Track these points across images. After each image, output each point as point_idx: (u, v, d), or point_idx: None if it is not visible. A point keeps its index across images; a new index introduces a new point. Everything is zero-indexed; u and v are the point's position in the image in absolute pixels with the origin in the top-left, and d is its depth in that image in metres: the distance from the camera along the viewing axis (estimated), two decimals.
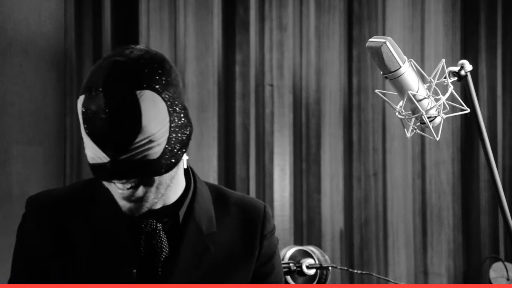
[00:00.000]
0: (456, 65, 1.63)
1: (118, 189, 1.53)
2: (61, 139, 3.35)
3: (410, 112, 1.65)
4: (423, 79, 1.63)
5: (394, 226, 3.85)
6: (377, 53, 1.57)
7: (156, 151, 1.49)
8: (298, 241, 3.66)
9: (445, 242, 3.92)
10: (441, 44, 3.94)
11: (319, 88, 3.77)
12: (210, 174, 3.52)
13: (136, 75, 1.48)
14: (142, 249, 1.61)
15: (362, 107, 3.82)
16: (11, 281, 1.66)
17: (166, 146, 1.50)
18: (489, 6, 4.01)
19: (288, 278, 2.50)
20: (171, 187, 1.60)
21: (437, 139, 1.62)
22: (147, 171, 1.50)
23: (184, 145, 1.55)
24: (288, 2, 3.71)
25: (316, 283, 2.52)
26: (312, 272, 2.52)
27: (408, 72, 1.59)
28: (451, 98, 1.62)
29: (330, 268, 2.54)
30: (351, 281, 3.78)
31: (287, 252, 2.55)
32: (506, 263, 3.74)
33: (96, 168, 1.51)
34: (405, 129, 1.65)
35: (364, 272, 2.71)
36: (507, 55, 4.03)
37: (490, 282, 3.74)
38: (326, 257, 2.57)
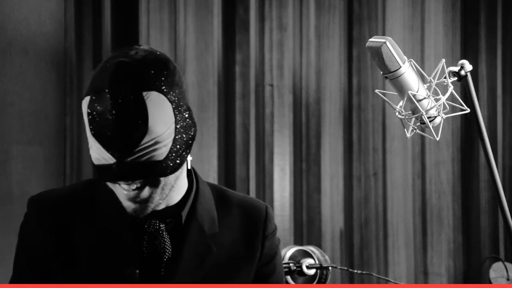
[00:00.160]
0: (456, 65, 1.63)
1: (123, 190, 1.53)
2: (61, 139, 3.35)
3: (410, 112, 1.65)
4: (423, 79, 1.63)
5: (394, 226, 3.85)
6: (377, 53, 1.57)
7: (162, 152, 1.49)
8: (298, 241, 3.66)
9: (445, 242, 3.92)
10: (441, 44, 3.94)
11: (319, 88, 3.77)
12: (210, 174, 3.52)
13: (142, 76, 1.48)
14: (144, 250, 1.61)
15: (362, 107, 3.82)
16: (12, 281, 1.66)
17: (172, 147, 1.51)
18: (489, 6, 4.01)
19: (288, 278, 2.50)
20: (175, 187, 1.60)
21: (437, 139, 1.62)
22: (153, 172, 1.50)
23: (188, 146, 1.55)
24: (288, 2, 3.71)
25: (316, 283, 2.52)
26: (312, 272, 2.52)
27: (408, 72, 1.59)
28: (451, 98, 1.62)
29: (330, 268, 2.54)
30: (351, 281, 3.78)
31: (287, 252, 2.55)
32: (506, 263, 3.74)
33: (102, 169, 1.50)
34: (405, 129, 1.65)
35: (364, 272, 2.71)
36: (507, 55, 4.03)
37: (490, 282, 3.74)
38: (326, 257, 2.57)
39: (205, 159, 3.53)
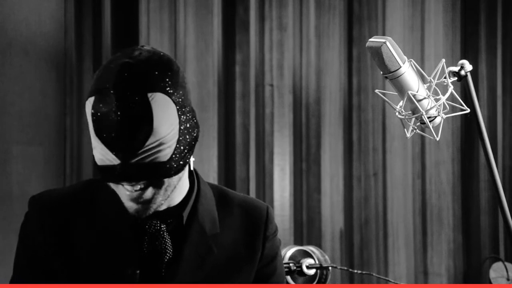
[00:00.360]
0: (456, 65, 1.63)
1: (126, 191, 1.53)
2: (61, 139, 3.35)
3: (410, 112, 1.65)
4: (423, 79, 1.63)
5: (394, 226, 3.85)
6: (377, 53, 1.57)
7: (166, 154, 1.49)
8: (298, 241, 3.66)
9: (445, 242, 3.92)
10: (441, 44, 3.94)
11: (319, 88, 3.77)
12: (210, 174, 3.52)
13: (146, 77, 1.48)
14: (145, 250, 1.61)
15: (362, 107, 3.82)
16: (13, 281, 1.66)
17: (176, 148, 1.51)
18: (489, 6, 4.01)
19: (288, 278, 2.50)
20: (177, 188, 1.60)
21: (437, 139, 1.62)
22: (157, 173, 1.50)
23: (191, 147, 1.56)
24: (288, 2, 3.71)
25: (316, 283, 2.52)
26: (312, 272, 2.52)
27: (408, 72, 1.59)
28: (451, 98, 1.62)
29: (330, 268, 2.54)
30: (351, 281, 3.78)
31: (287, 252, 2.55)
32: (506, 263, 3.74)
33: (105, 170, 1.50)
34: (405, 129, 1.65)
35: (364, 272, 2.71)
36: (507, 55, 4.03)
37: (490, 282, 3.74)
38: (326, 257, 2.57)
39: (205, 159, 3.53)
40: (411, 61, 1.60)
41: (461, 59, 1.73)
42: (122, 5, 3.47)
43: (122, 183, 1.51)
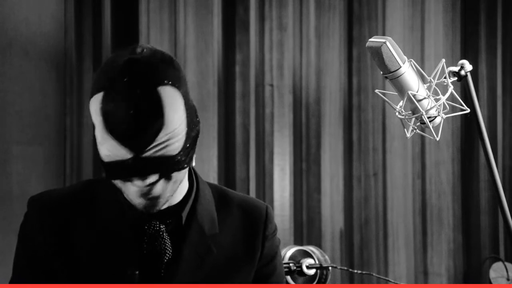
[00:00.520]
0: (456, 65, 1.63)
1: (135, 187, 1.52)
2: (61, 139, 3.35)
3: (410, 112, 1.65)
4: (423, 79, 1.63)
5: (394, 226, 3.85)
6: (377, 53, 1.57)
7: (176, 147, 1.49)
8: (298, 241, 3.66)
9: (445, 242, 3.92)
10: (441, 44, 3.94)
11: (319, 88, 3.77)
12: (210, 174, 3.52)
13: (154, 71, 1.48)
14: (144, 251, 1.61)
15: (362, 107, 3.82)
16: (12, 281, 1.66)
17: (184, 142, 1.51)
18: (489, 6, 4.01)
19: (288, 278, 2.50)
20: (180, 185, 1.60)
21: (437, 139, 1.62)
22: (168, 167, 1.50)
23: (195, 142, 1.56)
24: (288, 2, 3.71)
25: (316, 283, 2.52)
26: (312, 272, 2.52)
27: (408, 72, 1.59)
28: (451, 98, 1.62)
29: (330, 268, 2.54)
30: (351, 281, 3.78)
31: (287, 252, 2.55)
32: (506, 263, 3.74)
33: (115, 165, 1.48)
34: (405, 129, 1.65)
35: (364, 272, 2.71)
36: (507, 55, 4.03)
37: (490, 282, 3.74)
38: (326, 257, 2.57)
39: (205, 159, 3.53)
40: (411, 61, 1.60)
41: (461, 59, 1.73)
42: (122, 5, 3.47)
43: (134, 178, 1.50)
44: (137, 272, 1.59)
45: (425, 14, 3.93)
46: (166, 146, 1.48)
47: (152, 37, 3.48)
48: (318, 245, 3.62)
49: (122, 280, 1.59)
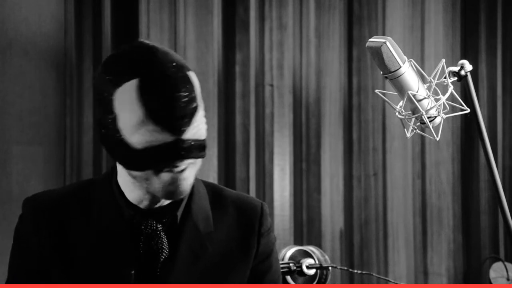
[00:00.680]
0: (456, 65, 1.63)
1: (166, 175, 1.52)
2: (61, 139, 3.35)
3: (410, 112, 1.65)
4: (423, 79, 1.63)
5: (394, 226, 3.85)
6: (377, 53, 1.57)
7: (203, 132, 1.55)
8: (298, 241, 3.66)
9: (445, 242, 3.92)
10: (441, 44, 3.94)
11: (319, 88, 3.77)
12: (210, 174, 3.52)
13: (177, 59, 1.52)
14: (141, 250, 1.61)
15: (362, 107, 3.82)
16: (7, 282, 1.65)
17: (206, 128, 1.56)
18: (489, 6, 4.01)
19: (288, 278, 2.50)
20: None
21: (437, 139, 1.62)
22: (201, 151, 1.54)
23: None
24: (288, 2, 3.71)
25: (316, 283, 2.52)
26: (312, 272, 2.52)
27: (408, 72, 1.59)
28: (451, 98, 1.62)
29: (330, 268, 2.54)
30: (351, 281, 3.78)
31: (287, 252, 2.55)
32: (506, 263, 3.74)
33: (154, 151, 1.48)
34: (405, 129, 1.65)
35: (364, 272, 2.71)
36: (507, 55, 4.03)
37: (490, 282, 3.74)
38: (326, 257, 2.57)
39: (205, 159, 3.52)
40: (411, 61, 1.60)
41: (461, 59, 1.73)
42: (122, 5, 3.47)
43: (175, 162, 1.51)
44: (133, 272, 1.59)
45: (425, 14, 3.93)
46: (198, 130, 1.52)
47: (152, 37, 3.48)
48: (318, 245, 3.62)
49: (119, 280, 1.59)
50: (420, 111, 1.61)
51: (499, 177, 1.64)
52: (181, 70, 1.50)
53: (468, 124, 3.94)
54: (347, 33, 3.83)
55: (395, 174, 3.86)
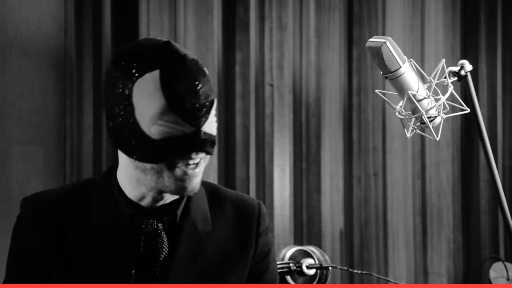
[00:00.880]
0: (456, 65, 1.63)
1: (181, 168, 1.53)
2: (61, 139, 3.35)
3: (410, 112, 1.65)
4: (423, 79, 1.63)
5: (394, 226, 3.85)
6: (377, 53, 1.57)
7: (215, 128, 1.57)
8: (298, 241, 3.66)
9: (445, 242, 3.92)
10: (441, 44, 3.94)
11: (319, 88, 3.77)
12: (210, 174, 3.52)
13: (191, 54, 1.55)
14: (141, 250, 1.61)
15: (362, 107, 3.82)
16: (5, 282, 1.65)
17: (216, 125, 1.58)
18: (489, 6, 4.01)
19: (288, 278, 2.50)
20: None
21: (437, 139, 1.62)
22: (212, 146, 1.55)
23: None
24: (288, 2, 3.71)
25: (316, 283, 2.52)
26: (312, 272, 2.52)
27: (408, 72, 1.59)
28: (451, 98, 1.62)
29: (330, 268, 2.54)
30: (351, 281, 3.78)
31: (287, 252, 2.55)
32: (506, 263, 3.74)
33: (172, 142, 1.50)
34: (405, 129, 1.65)
35: (364, 272, 2.71)
36: (507, 55, 4.03)
37: (490, 282, 3.74)
38: (326, 257, 2.57)
39: None
40: (411, 61, 1.60)
41: (461, 59, 1.73)
42: (122, 5, 3.47)
43: (191, 154, 1.52)
44: (133, 271, 1.59)
45: (425, 14, 3.93)
46: (212, 125, 1.55)
47: (152, 37, 3.48)
48: (318, 245, 3.62)
49: (119, 279, 1.59)
50: (420, 111, 1.61)
51: (499, 177, 1.64)
52: (198, 63, 1.53)
53: (468, 124, 3.94)
54: (347, 33, 3.83)
55: (395, 174, 3.86)
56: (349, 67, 3.82)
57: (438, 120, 1.63)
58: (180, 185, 1.55)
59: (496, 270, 3.75)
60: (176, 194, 1.57)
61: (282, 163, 3.67)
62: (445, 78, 1.63)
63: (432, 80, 1.63)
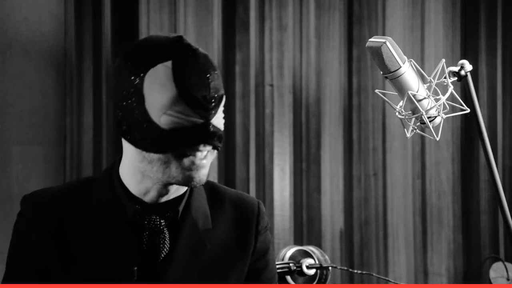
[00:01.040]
0: (456, 65, 1.63)
1: (189, 159, 1.54)
2: (61, 139, 3.35)
3: (410, 112, 1.65)
4: (423, 79, 1.63)
5: (394, 226, 3.85)
6: (377, 53, 1.57)
7: (222, 124, 1.57)
8: (298, 241, 3.66)
9: (445, 242, 3.92)
10: (441, 44, 3.94)
11: (319, 88, 3.77)
12: (210, 174, 3.51)
13: (202, 49, 1.57)
14: (144, 246, 1.61)
15: (362, 107, 3.82)
16: (5, 280, 1.65)
17: (224, 121, 1.58)
18: (489, 6, 4.01)
19: (288, 278, 2.50)
20: None
21: (437, 139, 1.62)
22: (220, 141, 1.56)
23: None
24: (288, 2, 3.71)
25: (316, 283, 2.52)
26: (312, 272, 2.52)
27: (408, 72, 1.59)
28: (451, 98, 1.62)
29: (330, 268, 2.54)
30: (351, 281, 3.78)
31: (287, 252, 2.55)
32: (506, 263, 3.74)
33: (182, 132, 1.51)
34: (405, 129, 1.65)
35: (364, 272, 2.71)
36: (507, 55, 4.03)
37: (490, 282, 3.74)
38: (326, 257, 2.57)
39: None
40: (411, 61, 1.60)
41: (461, 59, 1.73)
42: (122, 5, 3.47)
43: (199, 145, 1.53)
44: (135, 268, 1.59)
45: (425, 14, 3.93)
46: (220, 120, 1.55)
47: None
48: (318, 245, 3.62)
49: (121, 276, 1.59)
50: (420, 111, 1.61)
51: (499, 177, 1.64)
52: (208, 58, 1.55)
53: (468, 124, 3.94)
54: (347, 33, 3.83)
55: (395, 174, 3.86)
56: (349, 67, 3.82)
57: (438, 120, 1.63)
58: (188, 175, 1.55)
59: (496, 270, 3.75)
60: (183, 184, 1.57)
61: (282, 163, 3.67)
62: (445, 78, 1.63)
63: (432, 80, 1.63)
